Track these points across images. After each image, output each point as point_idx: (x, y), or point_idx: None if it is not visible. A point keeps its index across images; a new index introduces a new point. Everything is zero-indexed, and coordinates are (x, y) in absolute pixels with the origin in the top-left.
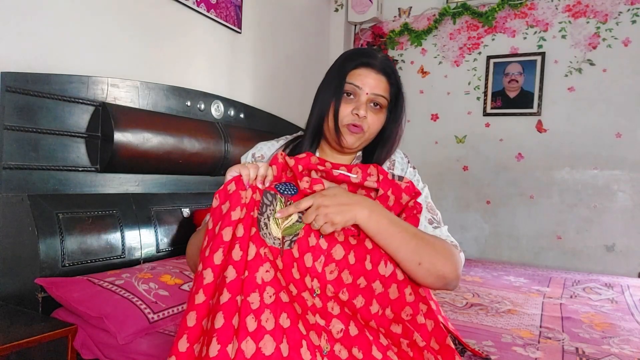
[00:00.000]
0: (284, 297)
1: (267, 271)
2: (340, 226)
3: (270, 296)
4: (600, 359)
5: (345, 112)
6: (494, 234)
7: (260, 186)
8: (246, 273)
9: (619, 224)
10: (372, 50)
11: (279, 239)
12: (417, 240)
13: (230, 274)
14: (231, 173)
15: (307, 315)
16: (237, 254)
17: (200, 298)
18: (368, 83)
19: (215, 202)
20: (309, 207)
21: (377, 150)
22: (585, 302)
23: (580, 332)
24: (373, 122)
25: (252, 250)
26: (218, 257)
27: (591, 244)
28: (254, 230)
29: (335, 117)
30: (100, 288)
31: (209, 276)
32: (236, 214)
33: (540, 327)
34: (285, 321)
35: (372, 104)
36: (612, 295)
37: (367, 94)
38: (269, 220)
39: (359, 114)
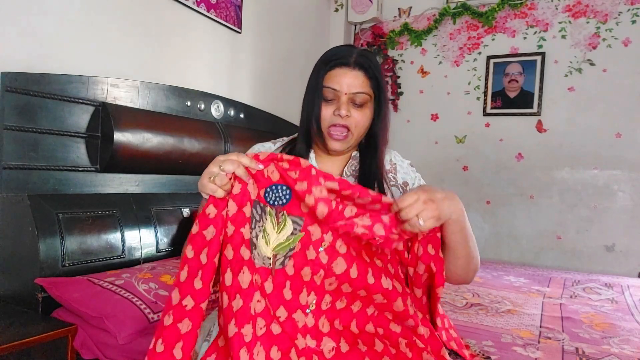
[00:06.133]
0: (276, 328)
1: (258, 301)
2: (443, 221)
3: (261, 328)
4: (600, 359)
5: (327, 115)
6: (494, 234)
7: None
8: (240, 302)
9: (619, 224)
10: (347, 47)
11: (269, 257)
12: (472, 238)
13: (224, 300)
14: (205, 191)
15: (296, 341)
16: (228, 278)
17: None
18: (345, 82)
19: (195, 228)
20: (410, 204)
21: (373, 150)
22: (585, 302)
23: (580, 332)
24: (359, 119)
25: (247, 277)
26: (210, 284)
27: (591, 244)
28: (247, 254)
29: (317, 122)
30: (100, 288)
31: (190, 304)
32: (221, 237)
33: (540, 327)
34: (276, 354)
35: (353, 103)
36: (612, 295)
37: (345, 94)
38: (257, 238)
39: (341, 114)
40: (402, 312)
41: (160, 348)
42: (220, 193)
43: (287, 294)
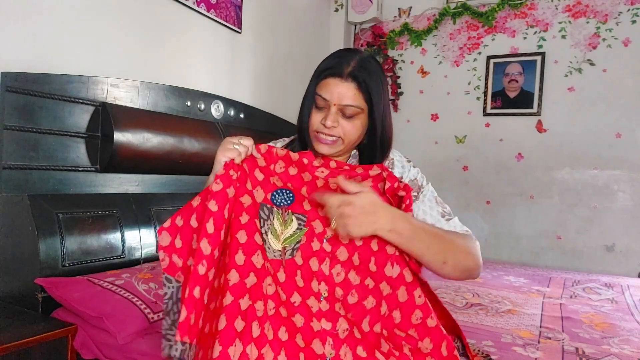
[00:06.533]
0: (283, 312)
1: (269, 285)
2: (358, 238)
3: (271, 309)
4: (600, 359)
5: (315, 121)
6: (494, 234)
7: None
8: (254, 279)
9: (619, 224)
10: (348, 54)
11: (280, 250)
12: (438, 240)
13: (234, 277)
14: (228, 155)
15: (311, 323)
16: (240, 258)
17: (202, 270)
18: (336, 92)
19: (217, 187)
20: (330, 205)
21: (370, 153)
22: (585, 302)
23: (580, 332)
24: (348, 129)
25: (260, 260)
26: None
27: (591, 244)
28: (260, 241)
29: (307, 127)
30: (100, 288)
31: (216, 254)
32: (245, 199)
33: (540, 327)
34: (283, 334)
35: (342, 113)
36: (612, 295)
37: (335, 104)
38: (267, 235)
39: (326, 124)
40: (406, 302)
41: (197, 294)
42: (239, 159)
43: (300, 281)
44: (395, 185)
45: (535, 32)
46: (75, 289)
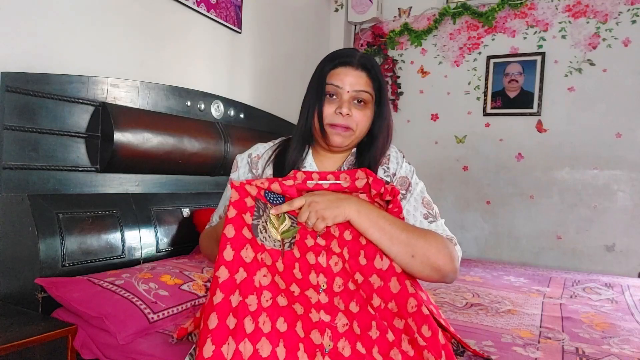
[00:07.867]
0: (282, 301)
1: (264, 275)
2: (331, 221)
3: (267, 300)
4: (600, 359)
5: (328, 112)
6: (494, 234)
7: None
8: (244, 274)
9: (619, 224)
10: (350, 49)
11: (279, 240)
12: (408, 232)
13: (223, 274)
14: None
15: (310, 314)
16: (229, 254)
17: (218, 298)
18: (348, 81)
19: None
20: (302, 206)
21: (371, 147)
22: (585, 302)
23: (580, 332)
24: (360, 119)
25: (250, 254)
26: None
27: (591, 244)
28: (249, 235)
29: (320, 118)
30: (101, 288)
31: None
32: (231, 213)
33: (540, 327)
34: (282, 325)
35: (355, 101)
36: (612, 295)
37: (348, 91)
38: (267, 223)
39: (342, 112)
40: (400, 292)
41: (213, 324)
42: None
43: (298, 274)
44: (382, 190)
45: (535, 32)
46: (75, 289)
